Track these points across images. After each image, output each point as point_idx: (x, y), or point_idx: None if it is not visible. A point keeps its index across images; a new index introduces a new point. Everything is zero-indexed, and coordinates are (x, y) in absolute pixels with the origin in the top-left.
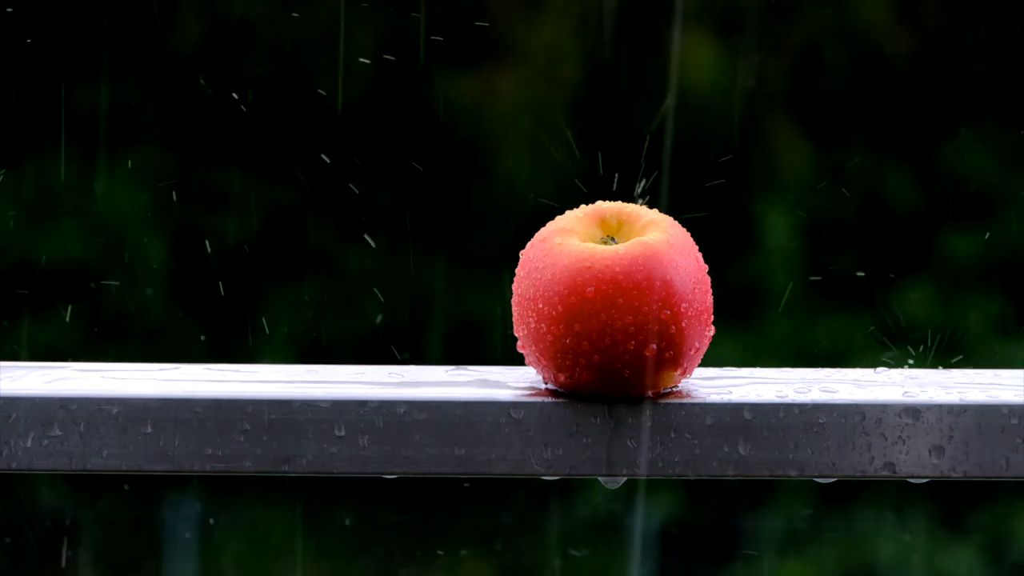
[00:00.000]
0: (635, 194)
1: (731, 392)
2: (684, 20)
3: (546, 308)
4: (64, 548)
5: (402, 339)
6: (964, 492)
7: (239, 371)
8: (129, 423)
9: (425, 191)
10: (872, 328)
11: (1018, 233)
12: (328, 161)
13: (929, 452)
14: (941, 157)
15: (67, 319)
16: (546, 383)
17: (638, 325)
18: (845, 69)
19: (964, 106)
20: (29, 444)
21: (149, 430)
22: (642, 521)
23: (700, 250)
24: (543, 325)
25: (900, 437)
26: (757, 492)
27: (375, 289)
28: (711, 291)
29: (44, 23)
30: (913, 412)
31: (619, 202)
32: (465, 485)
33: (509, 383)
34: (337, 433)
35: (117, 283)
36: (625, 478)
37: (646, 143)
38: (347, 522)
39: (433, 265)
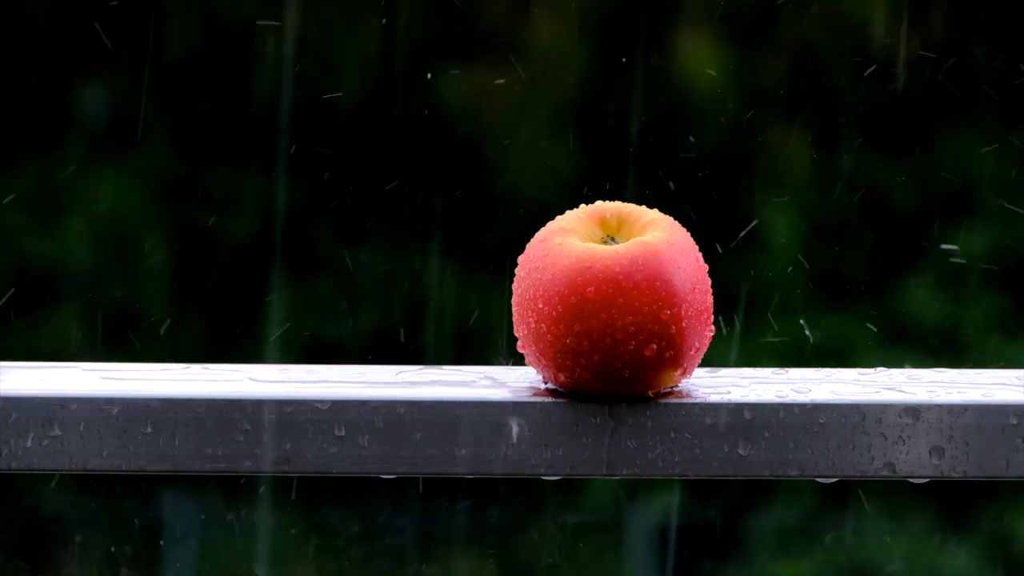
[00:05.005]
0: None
1: (731, 392)
2: (685, 20)
3: (546, 308)
4: (64, 548)
5: (403, 339)
6: (964, 492)
7: (239, 371)
8: (129, 423)
9: (426, 191)
10: (872, 328)
11: (1019, 232)
12: (329, 161)
13: (929, 452)
14: (942, 156)
15: (68, 319)
16: (546, 383)
17: (638, 325)
18: (846, 68)
19: (965, 105)
20: (29, 444)
21: (149, 430)
22: (642, 521)
23: (700, 250)
24: (543, 325)
25: (900, 437)
26: (757, 492)
27: (375, 289)
28: (711, 291)
29: (45, 23)
30: (913, 412)
31: (619, 202)
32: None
33: (509, 383)
34: (337, 433)
35: (118, 283)
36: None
37: (647, 143)
38: (347, 522)
39: (433, 265)
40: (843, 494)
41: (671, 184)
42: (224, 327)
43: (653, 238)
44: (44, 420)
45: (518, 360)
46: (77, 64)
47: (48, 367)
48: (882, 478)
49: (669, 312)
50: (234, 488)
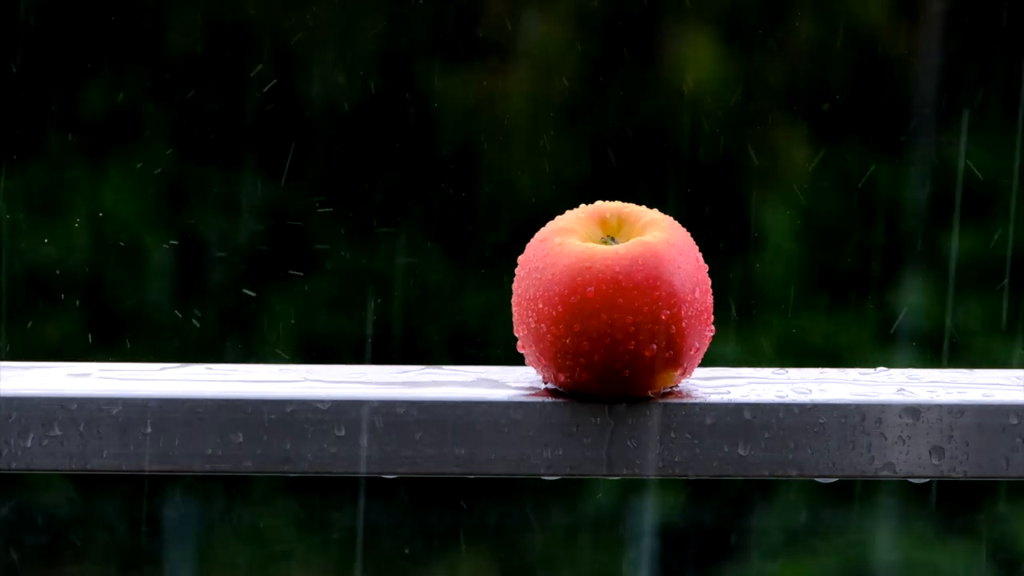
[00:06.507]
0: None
1: (731, 392)
2: (684, 19)
3: (546, 308)
4: (64, 548)
5: (402, 339)
6: (964, 492)
7: (239, 371)
8: (129, 423)
9: (425, 191)
10: (872, 328)
11: (1018, 232)
12: (329, 161)
13: (929, 452)
14: (941, 156)
15: (68, 319)
16: (546, 383)
17: (638, 325)
18: (845, 68)
19: (964, 104)
20: (29, 444)
21: (149, 430)
22: (642, 521)
23: (700, 250)
24: (543, 325)
25: (900, 437)
26: (757, 492)
27: (375, 289)
28: (711, 291)
29: (45, 22)
30: (913, 412)
31: (619, 202)
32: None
33: (509, 383)
34: (337, 433)
35: (118, 283)
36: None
37: (646, 143)
38: (347, 522)
39: (433, 265)
40: (843, 494)
41: (671, 183)
42: (224, 327)
43: (653, 238)
44: (44, 420)
45: (518, 360)
46: (78, 63)
47: (48, 367)
48: (882, 478)
49: (669, 312)
50: (234, 488)
